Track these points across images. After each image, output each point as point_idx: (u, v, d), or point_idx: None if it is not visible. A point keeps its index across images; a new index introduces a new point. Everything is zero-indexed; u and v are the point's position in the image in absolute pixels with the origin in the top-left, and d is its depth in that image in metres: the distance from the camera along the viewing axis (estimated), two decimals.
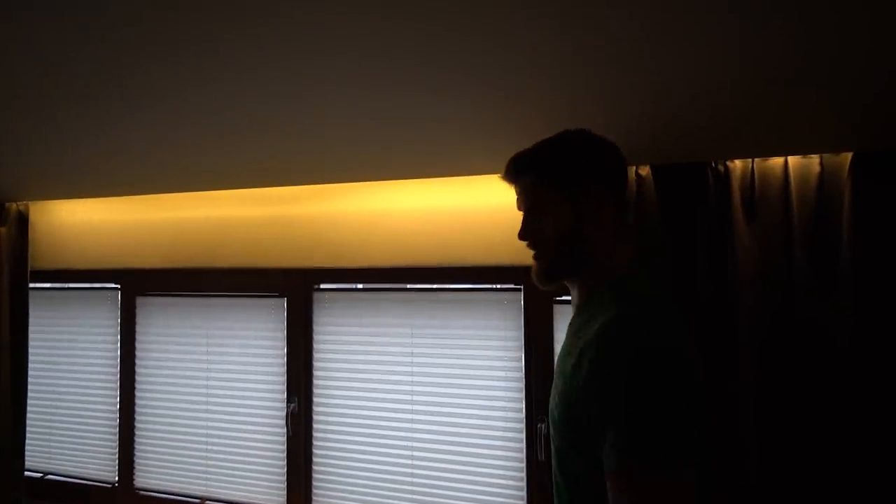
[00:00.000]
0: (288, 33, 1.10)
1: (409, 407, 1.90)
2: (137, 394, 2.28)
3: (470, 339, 1.86)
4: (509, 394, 1.80)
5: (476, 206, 1.81)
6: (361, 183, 1.89)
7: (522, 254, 1.06)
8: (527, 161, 0.98)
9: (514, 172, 1.00)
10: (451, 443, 1.85)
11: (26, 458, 2.36)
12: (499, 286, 1.84)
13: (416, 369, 1.90)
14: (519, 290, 1.83)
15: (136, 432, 2.27)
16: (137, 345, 2.29)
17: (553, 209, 0.95)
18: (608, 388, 0.78)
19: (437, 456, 1.86)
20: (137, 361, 2.28)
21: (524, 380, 1.79)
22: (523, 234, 0.99)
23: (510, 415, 1.80)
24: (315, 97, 1.35)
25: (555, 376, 0.96)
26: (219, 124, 1.52)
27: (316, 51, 1.15)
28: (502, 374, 1.82)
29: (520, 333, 1.81)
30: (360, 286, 2.00)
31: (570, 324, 0.99)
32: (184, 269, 2.16)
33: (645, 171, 1.52)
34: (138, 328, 2.29)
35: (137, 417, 2.27)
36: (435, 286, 1.91)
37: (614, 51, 1.08)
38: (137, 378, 2.28)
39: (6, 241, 2.27)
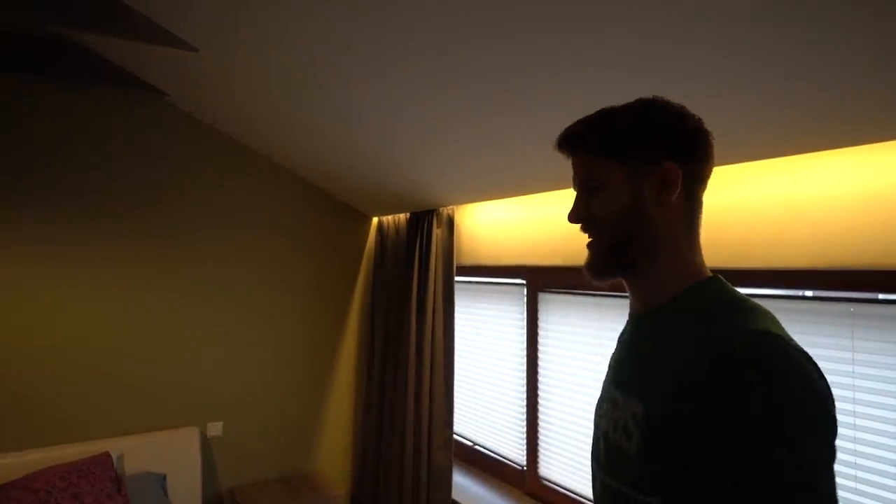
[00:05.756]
0: None
1: None
2: (540, 386, 2.36)
3: None
4: None
5: None
6: (772, 161, 1.44)
7: None
8: (583, 129, 0.80)
9: (569, 142, 0.81)
10: None
11: (462, 426, 2.75)
12: None
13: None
14: None
15: (540, 422, 2.35)
16: (539, 339, 2.36)
17: (609, 185, 0.77)
18: (756, 430, 0.59)
19: None
20: (539, 356, 2.36)
21: None
22: (572, 216, 0.82)
23: None
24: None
25: (609, 398, 0.81)
26: None
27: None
28: None
29: None
30: (808, 293, 1.52)
31: (629, 339, 0.82)
32: (578, 268, 2.10)
33: None
34: (540, 322, 2.36)
35: (540, 408, 2.35)
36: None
37: None
38: (540, 373, 2.36)
39: (440, 240, 2.67)
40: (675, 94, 0.81)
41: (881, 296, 1.35)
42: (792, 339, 0.65)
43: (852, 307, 1.40)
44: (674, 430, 0.65)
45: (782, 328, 0.67)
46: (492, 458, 2.64)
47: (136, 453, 2.44)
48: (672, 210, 0.75)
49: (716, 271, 0.78)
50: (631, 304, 0.84)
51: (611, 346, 2.02)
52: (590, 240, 0.82)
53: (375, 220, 3.31)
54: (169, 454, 2.53)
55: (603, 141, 0.78)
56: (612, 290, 2.01)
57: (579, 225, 0.83)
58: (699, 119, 0.78)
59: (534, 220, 2.29)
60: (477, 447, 2.74)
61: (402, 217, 2.99)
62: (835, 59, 1.00)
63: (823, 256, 1.36)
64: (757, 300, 0.74)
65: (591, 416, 2.09)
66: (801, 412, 0.59)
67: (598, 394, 2.03)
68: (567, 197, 2.11)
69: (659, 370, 0.71)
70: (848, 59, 0.99)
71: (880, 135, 1.22)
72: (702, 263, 0.78)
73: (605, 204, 0.78)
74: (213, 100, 2.40)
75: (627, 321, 0.86)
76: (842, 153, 1.34)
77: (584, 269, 0.83)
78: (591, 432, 2.07)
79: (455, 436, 2.74)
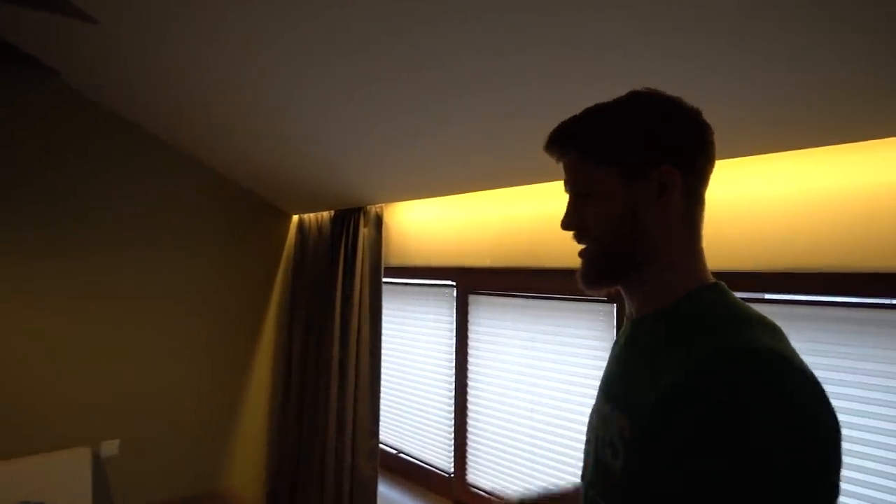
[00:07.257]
0: None
1: None
2: (469, 391, 2.30)
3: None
4: None
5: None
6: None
7: None
8: (572, 130, 0.75)
9: (557, 145, 0.76)
10: None
11: (386, 434, 2.64)
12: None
13: None
14: None
15: (469, 427, 2.29)
16: (469, 343, 2.31)
17: (602, 192, 0.73)
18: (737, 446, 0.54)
19: None
20: (469, 360, 2.30)
21: None
22: (566, 223, 0.77)
23: None
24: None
25: (599, 410, 0.76)
26: (546, 115, 1.32)
27: None
28: None
29: None
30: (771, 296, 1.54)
31: (623, 343, 0.77)
32: (510, 269, 2.07)
33: None
34: (470, 326, 2.31)
35: (469, 413, 2.30)
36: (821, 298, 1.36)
37: None
38: (469, 377, 2.30)
39: (367, 240, 2.55)
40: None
41: (822, 297, 1.38)
42: (796, 357, 0.60)
43: (801, 309, 1.43)
44: (651, 446, 0.62)
45: (784, 342, 0.63)
46: (418, 466, 2.55)
47: (11, 480, 2.12)
48: (671, 214, 0.71)
49: (717, 275, 0.74)
50: (627, 307, 0.79)
51: (543, 349, 2.01)
52: (583, 248, 0.77)
53: (296, 217, 3.12)
54: (53, 480, 2.22)
55: (594, 144, 0.73)
56: (544, 291, 1.99)
57: (572, 233, 0.78)
58: (696, 111, 0.73)
59: (466, 220, 2.24)
60: (402, 455, 2.64)
61: (326, 215, 2.84)
62: (805, 60, 1.01)
63: (794, 259, 1.39)
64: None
65: (523, 420, 2.07)
66: (780, 449, 0.54)
67: (529, 396, 2.03)
68: (502, 196, 2.06)
69: (648, 381, 0.65)
70: (814, 64, 1.00)
71: (842, 137, 1.23)
72: (703, 267, 0.74)
73: (599, 212, 0.73)
74: (113, 79, 2.14)
75: (624, 326, 0.80)
76: (804, 154, 1.34)
77: (577, 278, 0.77)
78: (523, 436, 2.06)
79: (379, 444, 2.62)
